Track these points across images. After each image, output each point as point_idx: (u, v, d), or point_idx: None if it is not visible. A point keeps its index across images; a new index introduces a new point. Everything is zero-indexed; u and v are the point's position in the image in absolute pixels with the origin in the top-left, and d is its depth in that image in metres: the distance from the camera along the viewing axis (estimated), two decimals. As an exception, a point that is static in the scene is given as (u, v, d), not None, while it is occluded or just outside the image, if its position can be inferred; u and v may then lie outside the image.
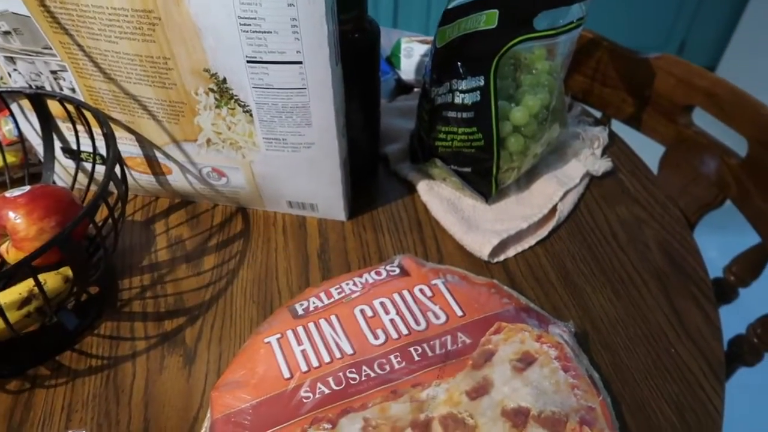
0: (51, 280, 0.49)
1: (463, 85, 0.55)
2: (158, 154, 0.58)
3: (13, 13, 0.48)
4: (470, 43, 0.53)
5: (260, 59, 0.46)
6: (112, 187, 0.50)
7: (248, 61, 0.46)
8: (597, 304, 0.54)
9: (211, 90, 0.49)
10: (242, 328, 0.52)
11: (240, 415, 0.42)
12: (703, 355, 0.50)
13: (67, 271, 0.50)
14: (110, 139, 0.49)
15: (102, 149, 0.58)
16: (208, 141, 0.54)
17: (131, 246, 0.60)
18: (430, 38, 0.78)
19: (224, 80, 0.48)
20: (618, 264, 0.58)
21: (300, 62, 0.46)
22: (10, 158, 0.63)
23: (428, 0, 2.06)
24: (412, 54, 0.77)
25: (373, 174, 0.68)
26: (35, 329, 0.50)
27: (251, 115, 0.51)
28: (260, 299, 0.55)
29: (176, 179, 0.60)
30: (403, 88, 0.80)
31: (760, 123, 0.63)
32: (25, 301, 0.47)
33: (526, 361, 0.44)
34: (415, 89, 0.80)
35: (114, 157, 0.47)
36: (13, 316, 0.46)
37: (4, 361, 0.49)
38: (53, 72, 0.53)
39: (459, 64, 0.54)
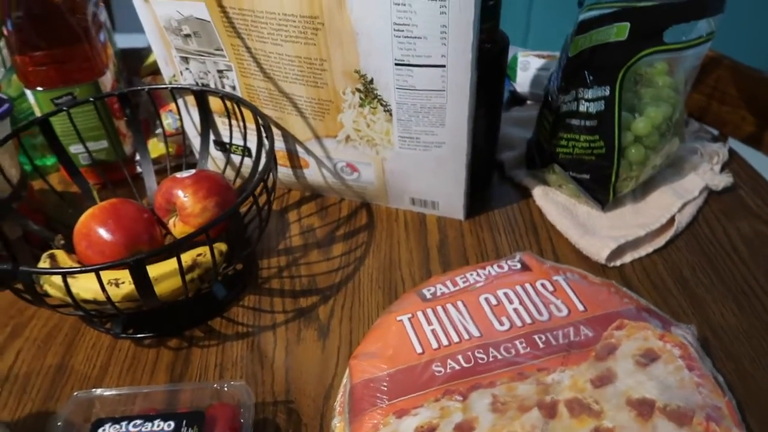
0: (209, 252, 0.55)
1: (589, 94, 0.58)
2: (299, 149, 0.64)
3: (196, 18, 0.55)
4: (600, 53, 0.56)
5: (407, 62, 0.51)
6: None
7: (396, 64, 0.51)
8: (718, 314, 0.54)
9: (358, 90, 0.55)
10: (370, 310, 0.57)
11: (378, 381, 0.46)
12: (832, 371, 0.49)
13: (221, 246, 0.56)
14: (268, 130, 0.55)
15: (249, 143, 0.65)
16: (347, 137, 0.60)
17: (269, 231, 0.66)
18: (547, 53, 0.81)
19: (371, 81, 0.53)
20: (740, 277, 0.58)
21: (443, 66, 0.50)
22: (169, 148, 0.72)
23: (528, 16, 2.09)
24: (528, 67, 0.80)
25: (489, 179, 0.71)
26: (191, 297, 0.56)
27: (391, 114, 0.56)
28: (385, 285, 0.59)
29: (311, 173, 0.66)
30: (517, 100, 0.83)
31: None
32: (189, 268, 0.53)
33: (649, 357, 0.46)
34: (528, 102, 0.83)
35: (272, 144, 0.53)
36: (178, 280, 0.52)
37: (166, 321, 0.56)
38: (219, 71, 0.60)
39: (587, 73, 0.57)
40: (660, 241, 0.61)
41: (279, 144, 0.65)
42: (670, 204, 0.64)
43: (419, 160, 0.59)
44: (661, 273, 0.59)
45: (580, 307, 0.50)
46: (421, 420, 0.42)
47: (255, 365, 0.52)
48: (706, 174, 0.67)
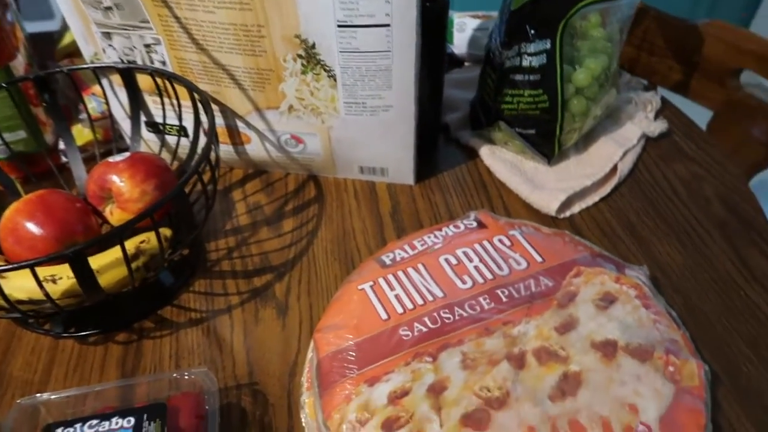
0: (154, 238, 0.52)
1: (532, 48, 0.58)
2: (239, 124, 0.61)
3: (115, -12, 0.51)
4: (541, 6, 0.56)
5: (350, 23, 0.49)
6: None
7: (339, 26, 0.49)
8: (664, 253, 0.56)
9: (299, 56, 0.52)
10: (328, 282, 0.55)
11: (345, 351, 0.45)
12: (772, 297, 0.52)
13: (165, 231, 0.53)
14: (207, 105, 0.52)
15: (185, 122, 0.61)
16: (290, 108, 0.58)
17: (214, 213, 0.63)
18: (482, 13, 0.81)
19: (313, 45, 0.51)
20: (681, 217, 0.60)
21: (388, 25, 0.49)
22: (92, 135, 0.67)
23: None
24: (464, 29, 0.80)
25: (436, 142, 0.71)
26: (136, 288, 0.53)
27: (335, 80, 0.54)
28: (341, 256, 0.58)
29: (254, 148, 0.63)
30: (455, 62, 0.83)
31: (813, 80, 0.65)
32: (133, 257, 0.50)
33: (607, 300, 0.47)
34: (467, 63, 0.83)
35: (213, 118, 0.50)
36: (123, 270, 0.49)
37: (112, 315, 0.52)
38: (147, 46, 0.56)
39: (528, 27, 0.57)
40: (605, 190, 0.62)
41: (217, 120, 0.61)
42: (611, 153, 0.65)
43: (366, 126, 0.58)
44: (609, 220, 0.60)
45: (538, 259, 0.50)
46: (394, 385, 0.42)
47: (213, 351, 0.50)
48: (642, 122, 0.69)
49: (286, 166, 0.66)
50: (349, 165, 0.63)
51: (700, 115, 0.78)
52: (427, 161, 0.67)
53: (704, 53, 0.75)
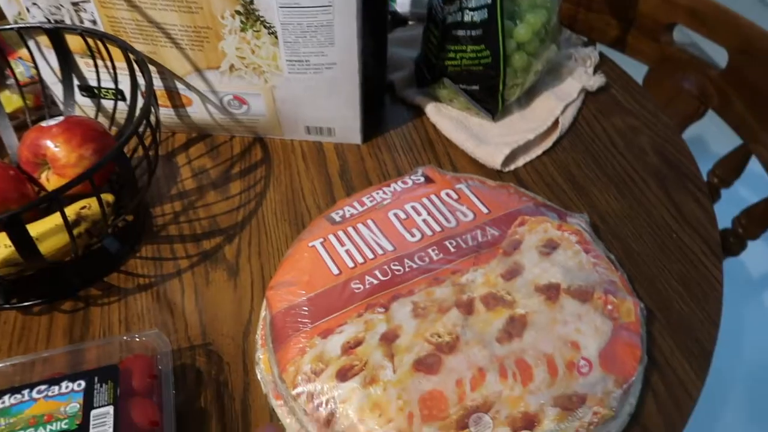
0: (95, 204, 0.50)
1: (473, 2, 0.58)
2: (179, 85, 0.59)
3: (36, -60, 0.48)
4: (479, -41, 0.56)
5: (288, -24, 0.48)
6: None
7: (276, -21, 0.48)
8: (604, 202, 0.59)
9: (238, 12, 0.51)
10: (278, 243, 0.55)
11: (298, 306, 0.45)
12: (702, 238, 0.55)
13: (107, 196, 0.52)
14: (143, 65, 0.50)
15: (121, 85, 0.59)
16: (232, 67, 0.56)
17: (158, 178, 0.62)
18: (424, -30, 0.80)
19: (251, 1, 0.50)
20: (619, 167, 0.62)
21: (327, -22, 0.48)
22: (22, 101, 0.64)
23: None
24: (407, -14, 0.79)
25: (382, 101, 0.71)
26: (80, 255, 0.52)
27: (276, 37, 0.53)
28: (291, 217, 0.58)
29: (196, 110, 0.62)
30: (398, 21, 0.82)
31: (740, 33, 0.68)
32: (74, 223, 0.48)
33: (550, 246, 0.49)
34: (410, 22, 0.82)
35: (150, 77, 0.49)
36: (64, 237, 0.48)
37: (55, 284, 0.51)
38: (75, 4, 0.53)
39: (468, -19, 0.57)
40: (548, 143, 0.64)
41: (156, 82, 0.59)
42: (553, 107, 0.67)
43: (311, 84, 0.57)
44: (552, 172, 0.62)
45: (484, 210, 0.52)
46: (347, 336, 0.43)
47: (164, 315, 0.50)
48: (581, 77, 0.71)
49: (231, 128, 0.64)
50: (295, 125, 0.63)
51: (637, 70, 0.80)
52: (374, 120, 0.67)
53: (639, 9, 0.77)
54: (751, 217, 0.66)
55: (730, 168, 0.71)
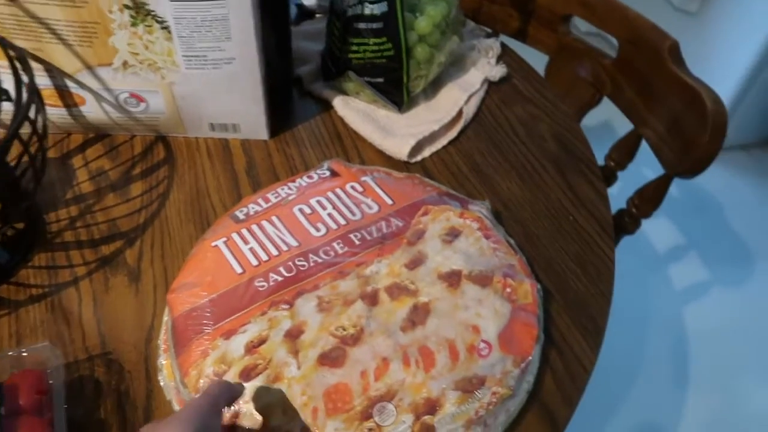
0: (-24, 212, 0.47)
1: (371, -5, 0.58)
2: (70, 84, 0.56)
3: None
4: (376, -47, 0.56)
5: (176, -31, 0.46)
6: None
7: (163, -28, 0.46)
8: (506, 188, 0.61)
9: (126, 6, 0.49)
10: (183, 244, 0.54)
11: (200, 309, 0.44)
12: (596, 220, 0.58)
13: (-9, 204, 0.49)
14: (24, 62, 0.47)
15: (6, 84, 0.56)
16: (125, 64, 0.54)
17: (50, 182, 0.58)
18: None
19: (139, -6, 0.48)
20: (520, 154, 0.65)
21: (216, -29, 0.47)
22: None
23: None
24: (311, -21, 0.78)
25: (289, 96, 0.70)
26: (-35, 266, 0.49)
27: (169, 32, 0.51)
28: (195, 217, 0.56)
29: (90, 110, 0.59)
30: (305, 14, 0.81)
31: (628, 24, 0.71)
32: (-47, 234, 0.45)
33: (453, 234, 0.50)
34: (317, 15, 0.82)
35: (32, 76, 0.46)
36: (-58, 249, 0.45)
37: (-64, 300, 0.48)
38: (-57, -3, 0.49)
39: (366, -26, 0.57)
40: (453, 133, 0.66)
41: (43, 80, 0.56)
42: (457, 98, 0.69)
43: (211, 80, 0.56)
44: (457, 162, 0.64)
45: (389, 201, 0.52)
46: (251, 335, 0.42)
47: (60, 325, 0.47)
48: (484, 67, 0.73)
49: (130, 127, 0.62)
50: (198, 123, 0.61)
51: (539, 60, 0.84)
52: (281, 115, 0.67)
53: (538, 1, 0.80)
54: (643, 198, 0.70)
55: (624, 151, 0.75)
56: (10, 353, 0.40)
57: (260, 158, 0.62)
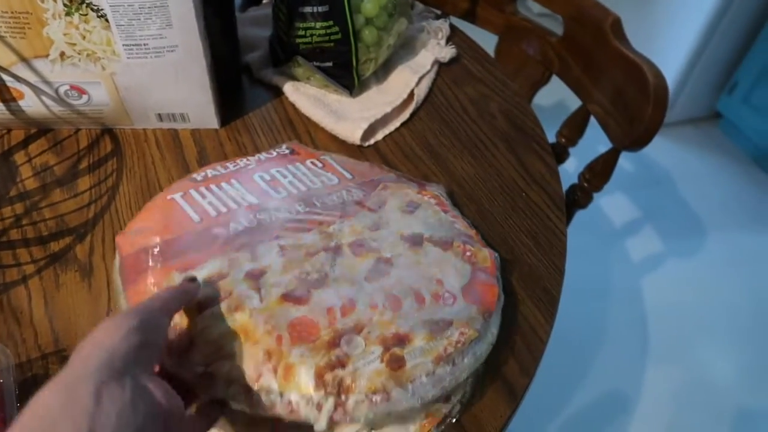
0: None
1: (315, -22, 0.58)
2: (5, 77, 0.54)
3: None
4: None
5: (110, -46, 0.45)
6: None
7: (97, -42, 0.45)
8: (459, 168, 0.62)
9: (59, -6, 0.48)
10: (135, 237, 0.53)
11: (152, 247, 0.42)
12: (548, 195, 0.60)
13: (-72, 204, 0.47)
14: (-48, 55, 0.46)
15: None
16: (62, 55, 0.52)
17: (-8, 180, 0.57)
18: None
19: (72, -18, 0.47)
20: (472, 133, 0.66)
21: (153, -45, 0.46)
22: None
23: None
24: (257, -36, 0.77)
25: (238, 83, 0.69)
26: None
27: (107, 20, 0.50)
28: (147, 209, 0.55)
29: (30, 104, 0.57)
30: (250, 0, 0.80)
31: (572, 2, 0.73)
32: None
33: (412, 206, 0.50)
34: (263, 0, 0.81)
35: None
36: None
37: None
38: None
39: (309, -44, 0.57)
40: (405, 115, 0.66)
41: (-24, 75, 0.54)
42: (408, 80, 0.69)
43: (154, 69, 0.55)
44: (410, 143, 0.64)
45: (348, 176, 0.52)
46: (209, 271, 0.40)
47: (10, 325, 0.46)
48: (434, 49, 0.73)
49: (74, 121, 0.60)
50: (144, 113, 0.60)
51: (488, 40, 0.84)
52: (231, 103, 0.66)
53: (484, -19, 0.81)
54: (593, 172, 0.72)
55: (574, 128, 0.76)
56: (-45, 356, 0.39)
57: (212, 147, 0.62)
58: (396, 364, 0.38)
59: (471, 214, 0.56)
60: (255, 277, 0.41)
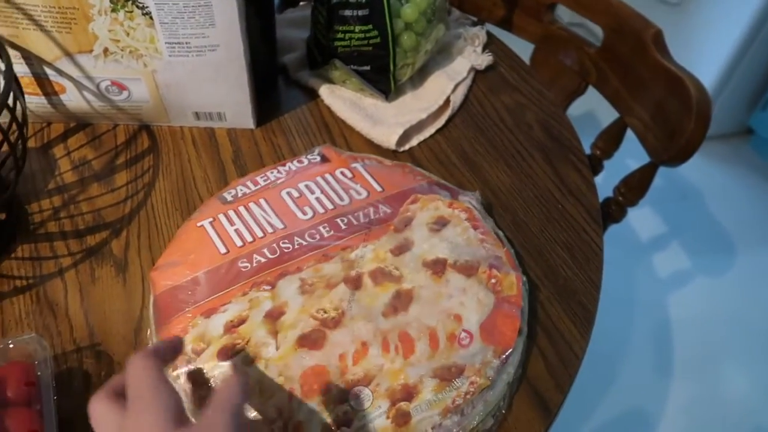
0: (-44, 203, 0.46)
1: (358, -19, 0.58)
2: (49, 71, 0.55)
3: None
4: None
5: (159, -47, 0.45)
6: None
7: (147, -44, 0.45)
8: (494, 177, 0.61)
9: (107, -9, 0.48)
10: (170, 234, 0.53)
11: (181, 287, 0.44)
12: (584, 207, 0.59)
13: (-29, 194, 0.48)
14: (1, 49, 0.46)
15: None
16: (106, 51, 0.53)
17: (31, 172, 0.57)
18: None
19: (121, -21, 0.47)
20: (508, 143, 0.65)
21: (201, -45, 0.46)
22: None
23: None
24: (296, -34, 0.77)
25: (274, 84, 0.69)
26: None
27: (151, 18, 0.50)
28: (182, 206, 0.56)
29: (71, 98, 0.58)
30: (288, 1, 0.81)
31: (611, 12, 0.72)
32: (-68, 225, 0.44)
33: (440, 223, 0.50)
34: (301, 2, 0.81)
35: (10, 62, 0.45)
36: None
37: None
38: None
39: (352, -40, 0.57)
40: (440, 122, 0.66)
41: (21, 68, 0.55)
42: (444, 86, 0.68)
43: (195, 68, 0.55)
44: (445, 150, 0.63)
45: (378, 188, 0.52)
46: (231, 315, 0.42)
47: (46, 317, 0.47)
48: (471, 56, 0.73)
49: (113, 116, 0.61)
50: (182, 111, 0.60)
51: (524, 49, 0.84)
52: (267, 104, 0.66)
53: (523, -11, 0.80)
54: (629, 186, 0.71)
55: (610, 140, 0.75)
56: (-5, 345, 0.39)
57: (247, 147, 0.62)
58: (402, 419, 0.39)
59: (505, 224, 0.56)
60: (273, 319, 0.43)
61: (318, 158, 0.54)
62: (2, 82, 0.52)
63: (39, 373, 0.38)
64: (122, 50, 0.53)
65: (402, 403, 0.39)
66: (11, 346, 0.39)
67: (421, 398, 0.40)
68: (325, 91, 0.67)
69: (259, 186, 0.51)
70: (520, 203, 0.58)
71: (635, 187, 0.70)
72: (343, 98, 0.66)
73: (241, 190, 0.51)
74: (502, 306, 0.45)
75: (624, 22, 0.70)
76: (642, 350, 1.30)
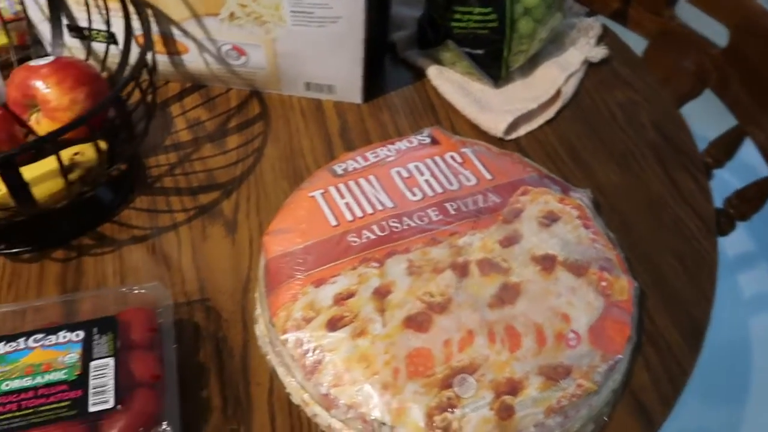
0: (88, 150, 0.48)
1: (484, -38, 0.56)
2: (175, 31, 0.57)
3: None
4: None
5: None
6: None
7: None
8: (603, 175, 0.59)
9: (244, -44, 0.49)
10: (277, 201, 0.54)
11: (293, 254, 0.45)
12: (697, 215, 0.56)
13: (101, 143, 0.50)
14: (139, 7, 0.48)
15: (114, 27, 0.56)
16: (232, 15, 0.54)
17: (151, 127, 0.59)
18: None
19: (260, -56, 0.48)
20: (619, 141, 0.62)
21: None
22: (6, 39, 0.60)
23: None
24: (412, -58, 0.76)
25: (383, 60, 0.69)
26: (73, 203, 0.50)
27: (282, -15, 0.51)
28: (290, 174, 0.56)
29: (192, 59, 0.60)
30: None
31: (741, 10, 0.67)
32: (67, 170, 0.46)
33: (551, 218, 0.49)
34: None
35: (148, 21, 0.46)
36: (57, 183, 0.46)
37: (45, 232, 0.49)
38: (69, -65, 0.50)
39: (481, -60, 0.55)
40: (550, 113, 0.64)
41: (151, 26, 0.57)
42: (556, 77, 0.66)
43: (313, 38, 0.55)
44: (553, 143, 0.62)
45: (488, 176, 0.51)
46: (340, 287, 0.43)
47: (160, 268, 0.48)
48: (584, 47, 0.70)
49: (227, 80, 0.62)
50: (294, 81, 0.61)
51: (637, 44, 0.80)
52: (374, 80, 0.66)
53: (644, -19, 0.77)
54: (744, 198, 0.67)
55: (723, 148, 0.71)
56: (122, 289, 0.41)
57: (353, 121, 0.62)
58: (505, 413, 0.38)
59: (614, 226, 0.53)
60: (381, 296, 0.42)
61: (427, 139, 0.54)
62: (138, 36, 0.54)
63: (161, 321, 0.40)
64: (248, 15, 0.54)
65: (506, 397, 0.39)
66: (135, 292, 0.41)
67: (526, 394, 0.39)
68: (433, 72, 0.66)
69: (368, 162, 0.51)
70: (630, 206, 0.56)
71: (751, 199, 0.66)
72: (451, 81, 0.65)
73: (351, 164, 0.51)
74: (612, 310, 0.44)
75: (755, 21, 0.66)
76: (718, 372, 1.25)
